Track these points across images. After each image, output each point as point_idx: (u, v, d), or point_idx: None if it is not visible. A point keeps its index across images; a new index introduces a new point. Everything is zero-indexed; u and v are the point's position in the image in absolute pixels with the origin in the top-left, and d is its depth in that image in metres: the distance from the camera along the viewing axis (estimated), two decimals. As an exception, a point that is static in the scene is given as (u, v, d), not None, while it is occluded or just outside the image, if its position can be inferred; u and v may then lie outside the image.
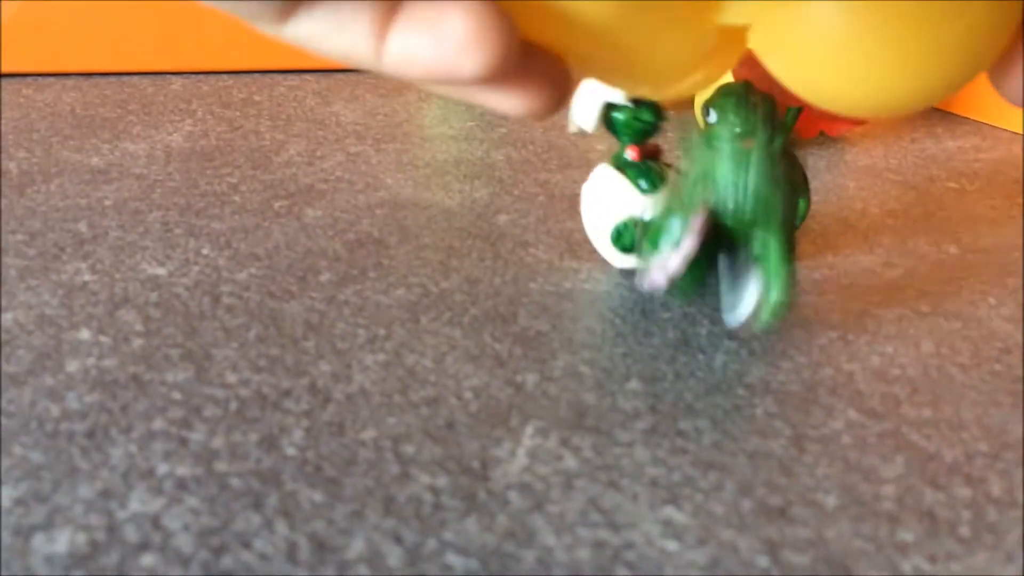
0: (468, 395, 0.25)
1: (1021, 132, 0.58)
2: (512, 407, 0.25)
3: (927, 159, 0.51)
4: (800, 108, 0.33)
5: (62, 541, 0.19)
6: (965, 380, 0.27)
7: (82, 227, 0.35)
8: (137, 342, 0.27)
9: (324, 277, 0.32)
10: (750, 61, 0.35)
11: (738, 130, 0.27)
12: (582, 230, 0.37)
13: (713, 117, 0.27)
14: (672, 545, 0.20)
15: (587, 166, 0.43)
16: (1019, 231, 0.40)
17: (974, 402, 0.26)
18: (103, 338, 0.27)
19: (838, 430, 0.24)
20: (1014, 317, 0.31)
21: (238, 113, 0.54)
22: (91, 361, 0.26)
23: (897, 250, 0.37)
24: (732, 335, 0.29)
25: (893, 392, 0.26)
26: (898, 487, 0.22)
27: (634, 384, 0.26)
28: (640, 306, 0.31)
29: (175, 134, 0.49)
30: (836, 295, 0.33)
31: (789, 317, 0.31)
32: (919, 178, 0.47)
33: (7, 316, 0.28)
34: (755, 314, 0.28)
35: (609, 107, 0.32)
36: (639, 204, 0.32)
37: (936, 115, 0.62)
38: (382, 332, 0.28)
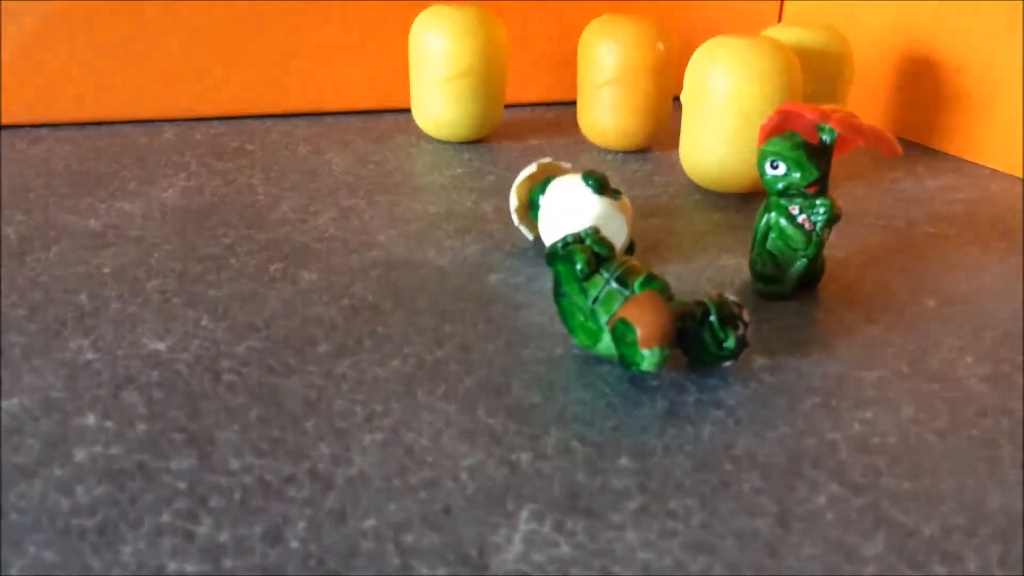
0: (464, 476, 0.26)
1: (998, 168, 0.59)
2: (508, 488, 0.25)
3: (908, 201, 0.52)
4: (834, 131, 0.36)
5: (78, 647, 0.20)
6: (943, 448, 0.28)
7: (83, 298, 0.36)
8: (141, 426, 0.28)
9: (322, 348, 0.33)
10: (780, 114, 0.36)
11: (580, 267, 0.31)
12: (572, 292, 0.38)
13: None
14: (663, 635, 0.21)
15: (575, 221, 0.44)
16: (994, 281, 0.41)
17: (951, 472, 0.27)
18: (108, 423, 0.28)
19: (822, 506, 0.25)
20: (989, 377, 0.32)
21: (231, 164, 0.55)
22: (98, 449, 0.27)
23: (878, 303, 0.38)
24: (719, 403, 0.30)
25: (874, 463, 0.27)
26: (878, 567, 0.23)
27: (625, 460, 0.27)
28: (628, 373, 0.32)
29: (170, 190, 0.50)
30: (820, 355, 0.34)
31: (774, 382, 0.32)
32: (900, 222, 0.48)
33: (13, 402, 0.29)
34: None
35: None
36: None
37: (918, 151, 0.63)
38: (379, 408, 0.29)
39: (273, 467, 0.26)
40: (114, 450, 0.27)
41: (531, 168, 0.41)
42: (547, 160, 0.42)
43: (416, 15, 0.61)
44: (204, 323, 0.34)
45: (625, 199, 0.39)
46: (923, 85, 0.64)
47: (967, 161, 0.61)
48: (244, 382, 0.30)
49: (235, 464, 0.26)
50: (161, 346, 0.33)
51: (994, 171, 0.59)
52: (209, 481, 0.25)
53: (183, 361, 0.32)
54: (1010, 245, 0.45)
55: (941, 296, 0.39)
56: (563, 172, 0.43)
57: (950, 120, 0.62)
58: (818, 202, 0.37)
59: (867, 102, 0.69)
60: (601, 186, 0.38)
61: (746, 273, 0.41)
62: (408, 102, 0.69)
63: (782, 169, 0.36)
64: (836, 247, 0.44)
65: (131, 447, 0.27)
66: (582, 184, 0.39)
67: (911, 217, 0.49)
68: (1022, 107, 0.57)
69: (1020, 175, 0.58)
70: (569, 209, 0.39)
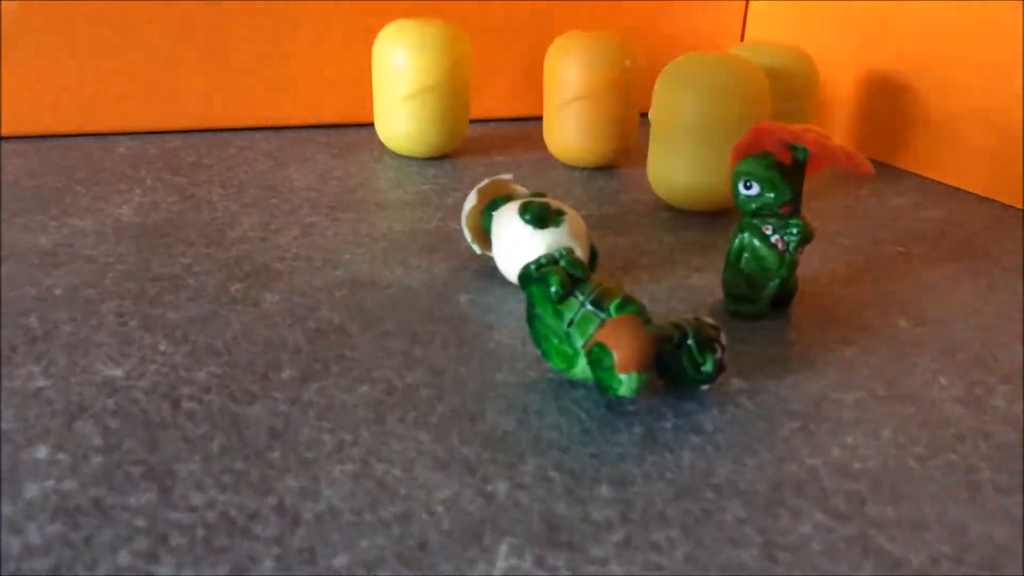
0: (439, 509, 0.25)
1: (959, 186, 0.60)
2: (484, 521, 0.25)
3: (873, 220, 0.52)
4: (807, 150, 0.36)
5: None
6: (924, 473, 0.28)
7: (33, 321, 0.34)
8: (96, 459, 0.26)
9: (286, 374, 0.32)
10: (755, 132, 0.36)
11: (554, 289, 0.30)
12: (544, 313, 0.37)
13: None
14: (652, 677, 0.20)
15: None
16: (965, 301, 0.41)
17: (934, 497, 0.26)
18: (61, 455, 0.26)
19: (807, 535, 0.25)
20: (964, 399, 0.32)
21: (188, 180, 0.53)
22: (50, 484, 0.25)
23: (851, 324, 0.38)
24: (697, 429, 0.30)
25: (857, 489, 0.27)
26: (868, 599, 0.22)
27: (604, 490, 0.26)
28: (604, 398, 0.31)
29: (124, 207, 0.48)
30: (796, 377, 0.33)
31: (752, 406, 0.31)
32: (866, 242, 0.49)
33: (-42, 433, 0.27)
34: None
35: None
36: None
37: (880, 169, 0.64)
38: (348, 437, 0.28)
39: (237, 502, 0.25)
40: (68, 485, 0.25)
41: (471, 200, 0.40)
42: (485, 183, 0.40)
43: (380, 28, 0.61)
44: (162, 348, 0.33)
45: (571, 216, 0.38)
46: (884, 104, 0.65)
47: (928, 179, 0.62)
48: (205, 410, 0.29)
49: (197, 499, 0.25)
50: (117, 372, 0.31)
51: (955, 189, 0.59)
52: (170, 518, 0.24)
53: (140, 388, 0.30)
54: (978, 265, 0.46)
55: (913, 317, 0.39)
56: (507, 188, 0.42)
57: (911, 139, 0.63)
58: (791, 222, 0.37)
59: (829, 121, 0.70)
60: (541, 219, 0.37)
61: (718, 292, 0.41)
62: (371, 116, 0.68)
63: (755, 189, 0.36)
64: (805, 266, 0.44)
65: (86, 481, 0.25)
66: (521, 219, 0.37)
67: (877, 236, 0.50)
68: (984, 127, 0.58)
69: (981, 194, 0.58)
70: (515, 243, 0.37)
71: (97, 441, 0.27)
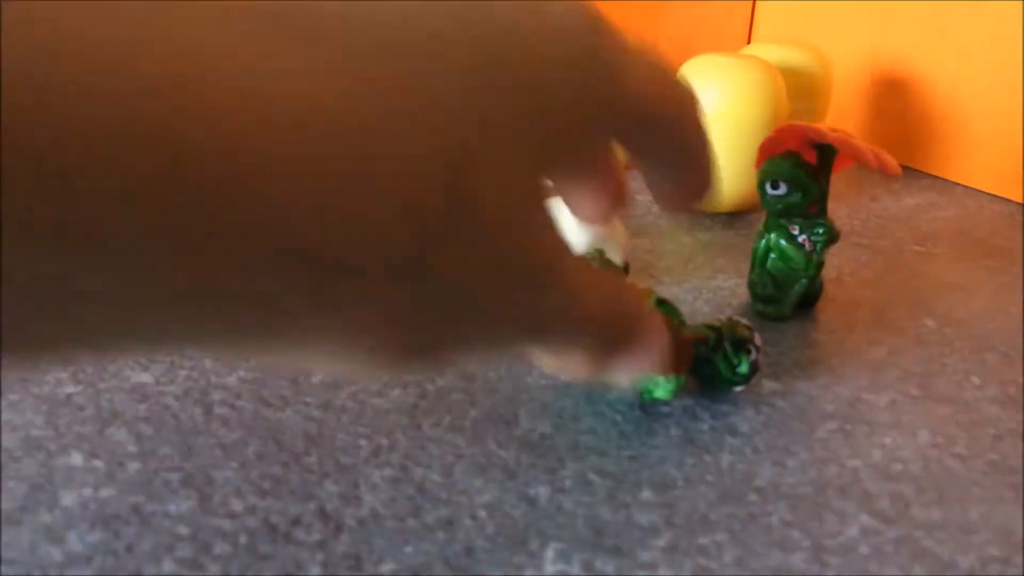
0: (482, 514, 0.25)
1: (972, 186, 0.60)
2: (529, 526, 0.24)
3: (890, 220, 0.52)
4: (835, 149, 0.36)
5: None
6: (966, 474, 0.28)
7: (57, 327, 0.34)
8: (133, 466, 0.26)
9: (316, 378, 0.31)
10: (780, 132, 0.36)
11: None
12: (571, 315, 0.37)
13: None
14: None
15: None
16: (988, 300, 0.41)
17: (979, 499, 0.26)
18: (96, 463, 0.26)
19: (854, 538, 0.24)
20: (998, 399, 0.32)
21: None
22: (88, 492, 0.25)
23: (877, 325, 0.38)
24: (734, 431, 0.29)
25: (901, 491, 0.26)
26: (921, 602, 0.22)
27: (647, 494, 0.26)
28: (638, 399, 0.31)
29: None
30: (827, 378, 0.33)
31: (787, 407, 0.31)
32: (885, 242, 0.48)
33: (-10, 440, 0.27)
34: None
35: None
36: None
37: (890, 169, 0.64)
38: (385, 442, 0.28)
39: (278, 508, 0.24)
40: (105, 492, 0.25)
41: None
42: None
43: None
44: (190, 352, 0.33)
45: (617, 221, 0.38)
46: (895, 104, 0.65)
47: (941, 179, 0.61)
48: (238, 416, 0.29)
49: (237, 506, 0.24)
50: (147, 378, 0.31)
51: (967, 188, 0.59)
52: (211, 525, 0.24)
53: (171, 394, 0.30)
54: (998, 264, 0.46)
55: (938, 317, 0.39)
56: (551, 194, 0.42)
57: (924, 139, 0.63)
58: (818, 222, 0.36)
59: (841, 120, 0.70)
60: None
61: (742, 294, 0.40)
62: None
63: (783, 189, 0.36)
64: (827, 267, 0.44)
65: (123, 489, 0.25)
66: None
67: (896, 236, 0.49)
68: (995, 126, 0.58)
69: (995, 193, 0.58)
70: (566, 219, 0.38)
71: (132, 448, 0.27)
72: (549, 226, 0.16)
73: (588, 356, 0.18)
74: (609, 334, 0.18)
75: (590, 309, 0.17)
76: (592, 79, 0.16)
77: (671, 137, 0.19)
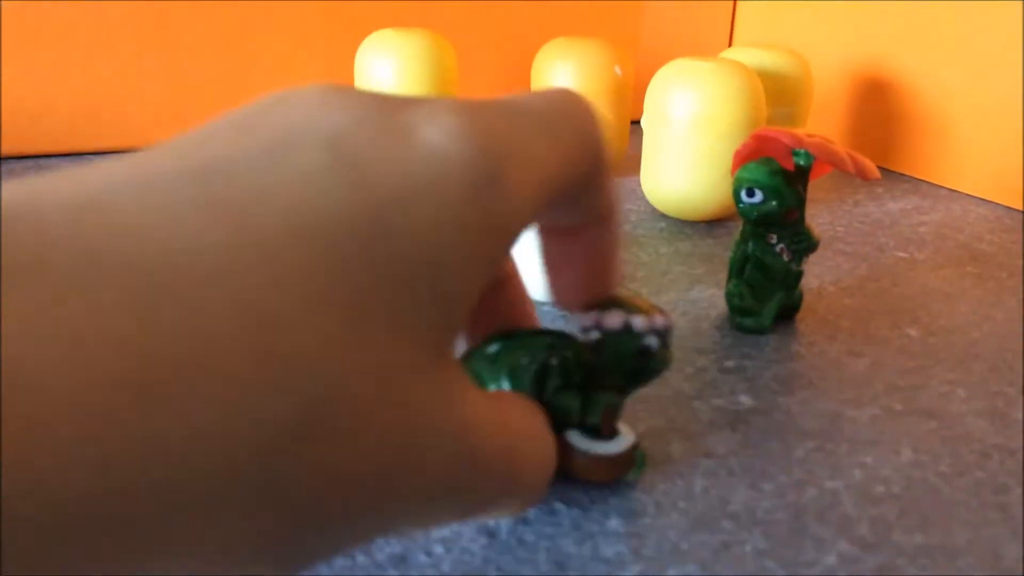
0: (438, 549, 0.23)
1: (956, 189, 0.59)
2: (487, 561, 0.23)
3: (873, 225, 0.51)
4: (811, 156, 0.34)
5: None
6: (951, 494, 0.26)
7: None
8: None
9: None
10: (757, 137, 0.35)
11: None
12: (541, 331, 0.36)
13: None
14: None
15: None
16: (973, 307, 0.40)
17: (964, 522, 0.25)
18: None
19: (832, 567, 0.23)
20: (985, 412, 0.31)
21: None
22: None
23: (859, 335, 0.36)
24: (708, 452, 0.28)
25: (882, 514, 0.25)
26: (904, 637, 0.21)
27: (614, 523, 0.24)
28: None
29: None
30: (807, 393, 0.32)
31: (764, 425, 0.29)
32: (868, 248, 0.47)
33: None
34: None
35: None
36: None
37: (874, 172, 0.62)
38: (339, 472, 0.26)
39: (221, 547, 0.23)
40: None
41: None
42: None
43: (362, 39, 0.59)
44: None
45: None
46: (878, 107, 0.64)
47: (925, 182, 0.60)
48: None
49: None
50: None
51: (952, 191, 0.58)
52: (147, 567, 0.22)
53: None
54: (982, 269, 0.44)
55: (922, 326, 0.38)
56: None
57: (907, 141, 0.62)
58: (796, 231, 0.35)
59: (822, 124, 0.69)
60: None
61: (721, 305, 0.39)
62: (354, 130, 0.67)
63: (759, 197, 0.34)
64: (808, 276, 0.43)
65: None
66: None
67: (879, 242, 0.48)
68: (978, 129, 0.57)
69: (978, 196, 0.57)
70: (530, 242, 0.36)
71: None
72: (438, 395, 0.14)
73: (479, 508, 0.17)
74: (502, 487, 0.17)
75: (485, 469, 0.16)
76: (480, 237, 0.15)
77: (576, 244, 0.19)
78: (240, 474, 0.12)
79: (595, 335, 0.22)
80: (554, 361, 0.21)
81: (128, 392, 0.11)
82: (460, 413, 0.15)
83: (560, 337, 0.22)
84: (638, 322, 0.22)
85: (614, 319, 0.22)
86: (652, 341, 0.22)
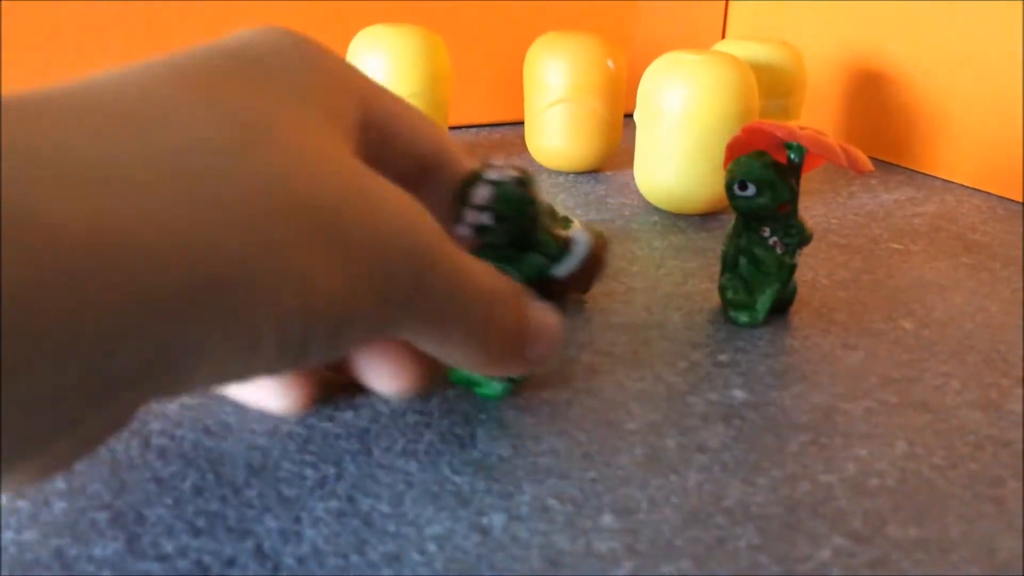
0: (432, 547, 0.23)
1: (950, 179, 0.58)
2: (481, 558, 0.23)
3: (867, 216, 0.51)
4: (803, 148, 0.35)
5: None
6: (945, 486, 0.26)
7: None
8: (59, 505, 0.24)
9: (264, 403, 0.30)
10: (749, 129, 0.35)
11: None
12: (534, 327, 0.35)
13: None
14: None
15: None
16: (968, 299, 0.40)
17: (958, 515, 0.25)
18: (21, 503, 0.24)
19: (826, 562, 0.23)
20: (979, 403, 0.31)
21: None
22: (9, 535, 0.23)
23: (853, 328, 0.36)
24: (702, 447, 0.28)
25: (876, 508, 0.25)
26: (898, 631, 0.21)
27: (608, 519, 0.24)
28: (603, 416, 0.29)
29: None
30: (801, 387, 0.32)
31: (758, 419, 0.29)
32: (862, 239, 0.47)
33: (-92, 482, 0.25)
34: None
35: None
36: None
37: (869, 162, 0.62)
38: (332, 471, 0.26)
39: (212, 548, 0.23)
40: (27, 535, 0.23)
41: None
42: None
43: (352, 36, 0.59)
44: (131, 378, 0.31)
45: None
46: (871, 98, 0.64)
47: (919, 173, 0.60)
48: (177, 447, 0.27)
49: (168, 546, 0.23)
50: (82, 407, 0.29)
51: (946, 182, 0.58)
52: (138, 569, 0.22)
53: (107, 424, 0.28)
54: (977, 259, 0.44)
55: (917, 318, 0.38)
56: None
57: (901, 132, 0.62)
58: (789, 223, 0.35)
59: (816, 116, 0.69)
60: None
61: (715, 298, 0.39)
62: (347, 127, 0.66)
63: (751, 190, 0.34)
64: (802, 268, 0.43)
65: (47, 531, 0.23)
66: None
67: (873, 234, 0.48)
68: (973, 119, 0.57)
69: (973, 186, 0.57)
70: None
71: (60, 485, 0.25)
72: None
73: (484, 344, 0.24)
74: (502, 316, 0.24)
75: (478, 287, 0.23)
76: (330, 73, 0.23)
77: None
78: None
79: (485, 217, 0.26)
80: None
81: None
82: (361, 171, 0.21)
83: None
84: (492, 174, 0.26)
85: (481, 192, 0.26)
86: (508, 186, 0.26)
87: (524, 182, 0.26)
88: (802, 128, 0.35)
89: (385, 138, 0.25)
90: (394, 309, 0.20)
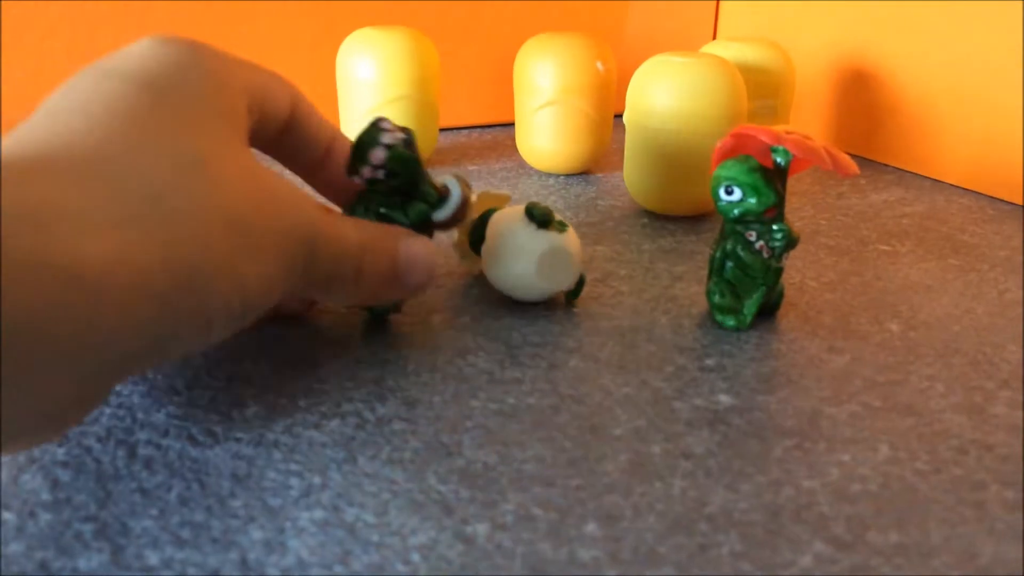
0: (415, 557, 0.23)
1: (940, 179, 0.59)
2: (464, 568, 0.23)
3: (856, 217, 0.51)
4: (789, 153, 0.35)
5: None
6: (927, 491, 0.26)
7: (-20, 365, 0.32)
8: (45, 517, 0.24)
9: (250, 411, 0.30)
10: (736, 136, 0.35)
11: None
12: (520, 328, 0.36)
13: None
14: None
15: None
16: (955, 300, 0.40)
17: (940, 519, 0.25)
18: (7, 515, 0.24)
19: (808, 568, 0.23)
20: (963, 407, 0.31)
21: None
22: (-8, 549, 0.23)
23: (840, 331, 0.37)
24: (687, 453, 0.28)
25: (858, 513, 0.25)
26: (877, 639, 0.21)
27: (591, 527, 0.24)
28: (588, 422, 0.30)
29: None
30: (787, 391, 0.32)
31: (743, 424, 0.30)
32: (851, 241, 0.47)
33: None
34: None
35: None
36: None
37: (859, 163, 0.63)
38: (317, 480, 0.26)
39: (196, 559, 0.23)
40: (13, 548, 0.23)
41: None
42: (486, 191, 0.39)
43: (342, 39, 0.59)
44: (118, 388, 0.31)
45: (572, 232, 0.37)
46: (861, 98, 0.64)
47: (908, 172, 0.60)
48: (163, 456, 0.27)
49: (152, 558, 0.23)
50: (69, 417, 0.29)
51: (936, 182, 0.58)
52: (123, 581, 0.22)
53: (94, 435, 0.28)
54: (965, 260, 0.44)
55: (903, 320, 0.38)
56: (504, 202, 0.41)
57: (890, 132, 0.62)
58: (775, 227, 0.35)
59: (805, 116, 0.69)
60: (546, 220, 0.36)
61: (702, 302, 0.39)
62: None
63: (737, 195, 0.34)
64: (790, 271, 0.43)
65: (32, 543, 0.23)
66: (525, 218, 0.36)
67: (862, 235, 0.48)
68: (963, 118, 0.57)
69: (962, 186, 0.57)
70: (512, 245, 0.36)
71: (45, 496, 0.25)
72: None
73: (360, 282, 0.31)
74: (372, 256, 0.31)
75: (351, 238, 0.30)
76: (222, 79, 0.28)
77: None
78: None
79: (380, 173, 0.32)
80: (382, 211, 0.33)
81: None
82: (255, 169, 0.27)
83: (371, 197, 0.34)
84: (385, 123, 0.32)
85: (377, 153, 0.32)
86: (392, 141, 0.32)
87: (410, 143, 0.32)
88: (788, 132, 0.35)
89: (289, 129, 0.33)
90: (296, 279, 0.28)
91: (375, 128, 0.32)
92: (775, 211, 0.35)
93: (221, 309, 0.24)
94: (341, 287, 0.30)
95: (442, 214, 0.34)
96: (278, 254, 0.26)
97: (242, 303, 0.25)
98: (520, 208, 0.37)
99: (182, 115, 0.25)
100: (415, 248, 0.32)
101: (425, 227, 0.34)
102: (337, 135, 0.35)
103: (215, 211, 0.24)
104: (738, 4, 0.75)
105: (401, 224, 0.33)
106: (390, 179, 0.32)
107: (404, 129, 0.33)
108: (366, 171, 0.32)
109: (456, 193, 0.34)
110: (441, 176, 0.35)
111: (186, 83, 0.26)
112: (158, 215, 0.23)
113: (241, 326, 0.26)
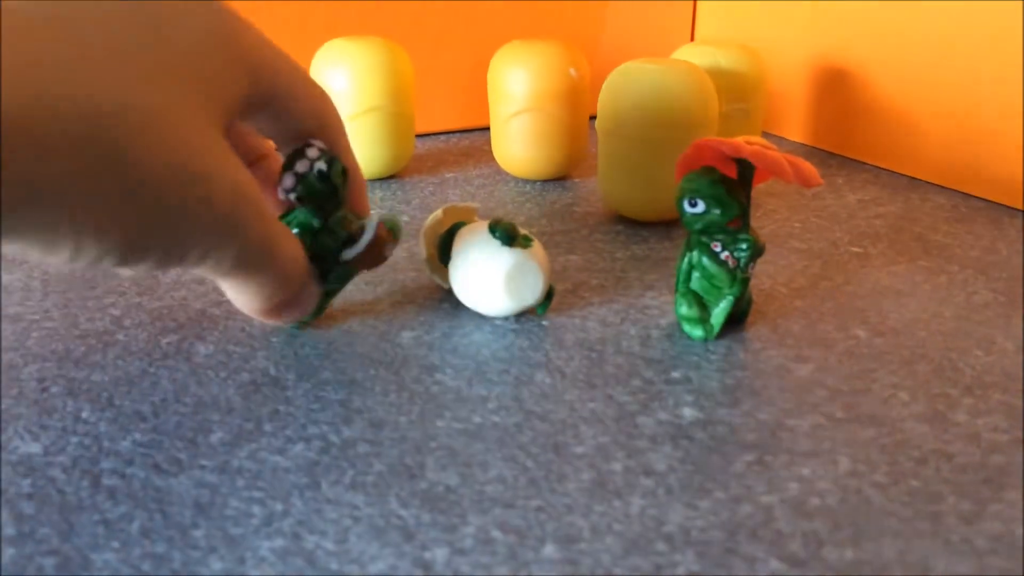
0: (373, 585, 0.23)
1: (915, 176, 0.59)
2: (421, 595, 0.23)
3: (829, 218, 0.51)
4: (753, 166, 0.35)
5: None
6: (885, 504, 0.27)
7: (-52, 394, 0.33)
8: (8, 552, 0.25)
9: (216, 437, 0.30)
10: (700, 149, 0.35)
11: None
12: (489, 344, 0.36)
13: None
14: None
15: (491, 266, 0.42)
16: (923, 304, 0.40)
17: (895, 534, 0.25)
18: (-33, 551, 0.25)
19: (762, 588, 0.23)
20: (925, 416, 0.31)
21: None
22: (-47, 587, 0.23)
23: (806, 339, 0.37)
24: (649, 470, 0.28)
25: (814, 529, 0.25)
26: (826, 659, 0.21)
27: (550, 549, 0.25)
28: (552, 440, 0.30)
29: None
30: (750, 403, 0.32)
31: (705, 439, 0.30)
32: (823, 243, 0.47)
33: None
34: None
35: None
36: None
37: (836, 161, 0.63)
38: (279, 507, 0.26)
39: (156, 593, 0.23)
40: (-27, 585, 0.23)
41: (437, 214, 0.39)
42: (453, 204, 0.39)
43: (315, 51, 0.59)
44: (85, 415, 0.31)
45: (538, 246, 0.37)
46: (838, 96, 0.64)
47: (885, 170, 0.61)
48: (127, 486, 0.27)
49: (112, 593, 0.23)
50: (36, 448, 0.29)
51: (912, 179, 0.59)
52: (81, 618, 0.22)
53: (59, 465, 0.28)
54: (935, 263, 0.45)
55: (871, 327, 0.38)
56: (472, 215, 0.41)
57: (865, 130, 0.62)
58: (740, 237, 0.35)
59: (781, 115, 0.69)
60: (510, 237, 0.36)
61: (671, 313, 0.39)
62: (316, 139, 0.66)
63: (701, 207, 0.35)
64: (761, 276, 0.43)
65: (-7, 580, 0.24)
66: (489, 235, 0.36)
67: (834, 237, 0.48)
68: (938, 116, 0.57)
69: (938, 183, 0.57)
70: (478, 261, 0.36)
71: (8, 530, 0.25)
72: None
73: (267, 299, 0.32)
74: (290, 282, 0.32)
75: (283, 253, 0.31)
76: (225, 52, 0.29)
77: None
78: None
79: (292, 198, 0.33)
80: (296, 231, 0.34)
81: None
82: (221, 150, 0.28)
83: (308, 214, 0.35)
84: (312, 152, 0.33)
85: (287, 180, 0.33)
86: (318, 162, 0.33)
87: (325, 175, 0.33)
88: (749, 143, 0.35)
89: (273, 110, 0.32)
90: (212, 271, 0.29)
91: (296, 153, 0.33)
92: (739, 222, 0.35)
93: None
94: (252, 290, 0.32)
95: (349, 254, 0.35)
96: (205, 246, 0.28)
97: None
98: (485, 224, 0.37)
99: (159, 68, 0.26)
100: (308, 288, 0.34)
101: (325, 261, 0.35)
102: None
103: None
104: (715, 5, 0.75)
105: (306, 245, 0.34)
106: (302, 204, 0.33)
107: (331, 159, 0.33)
108: (280, 193, 0.33)
109: (367, 236, 0.35)
110: (381, 212, 0.37)
111: (187, 31, 0.27)
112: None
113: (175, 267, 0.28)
